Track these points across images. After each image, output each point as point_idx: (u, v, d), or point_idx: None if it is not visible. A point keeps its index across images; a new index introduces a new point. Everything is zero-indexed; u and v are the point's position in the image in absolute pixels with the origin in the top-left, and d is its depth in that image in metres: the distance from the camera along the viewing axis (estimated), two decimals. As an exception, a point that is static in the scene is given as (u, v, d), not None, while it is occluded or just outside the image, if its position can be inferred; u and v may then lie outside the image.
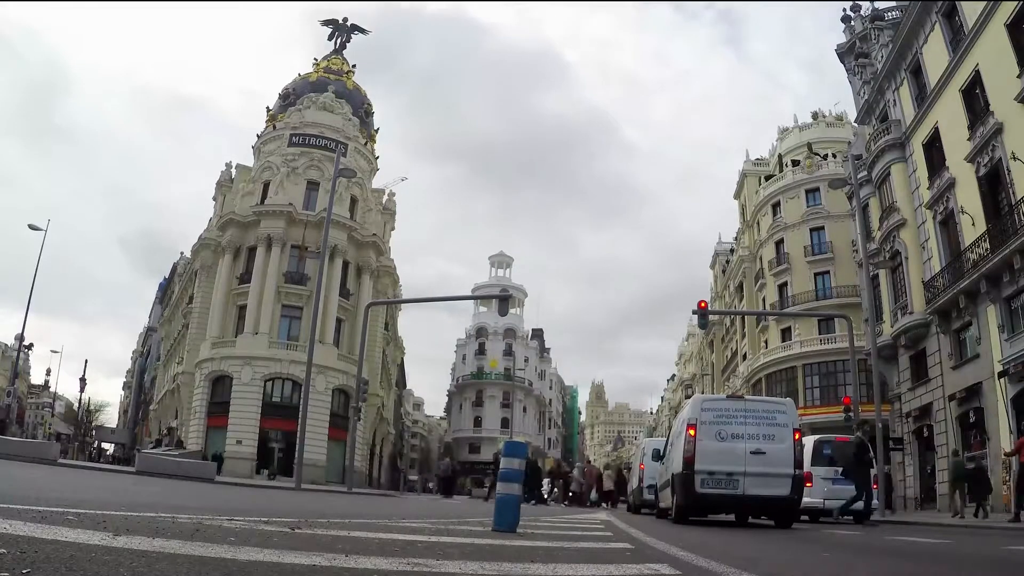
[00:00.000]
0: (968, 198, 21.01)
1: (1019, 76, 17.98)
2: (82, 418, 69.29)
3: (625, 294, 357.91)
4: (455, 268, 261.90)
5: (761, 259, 45.63)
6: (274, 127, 44.50)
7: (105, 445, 51.80)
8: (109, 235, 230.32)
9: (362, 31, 51.35)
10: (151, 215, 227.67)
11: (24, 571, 2.21)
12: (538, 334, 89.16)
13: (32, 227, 34.03)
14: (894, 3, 29.78)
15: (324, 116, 43.95)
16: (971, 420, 20.92)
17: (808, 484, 12.88)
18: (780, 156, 48.84)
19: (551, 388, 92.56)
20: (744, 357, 48.32)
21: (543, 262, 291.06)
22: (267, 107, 46.67)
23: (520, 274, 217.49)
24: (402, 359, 68.88)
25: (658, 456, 14.57)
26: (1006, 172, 18.80)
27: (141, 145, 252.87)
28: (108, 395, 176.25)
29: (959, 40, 21.39)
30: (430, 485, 55.31)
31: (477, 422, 76.93)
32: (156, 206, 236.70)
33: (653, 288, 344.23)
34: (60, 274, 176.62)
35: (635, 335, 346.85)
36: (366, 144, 46.50)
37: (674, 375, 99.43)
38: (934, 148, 23.63)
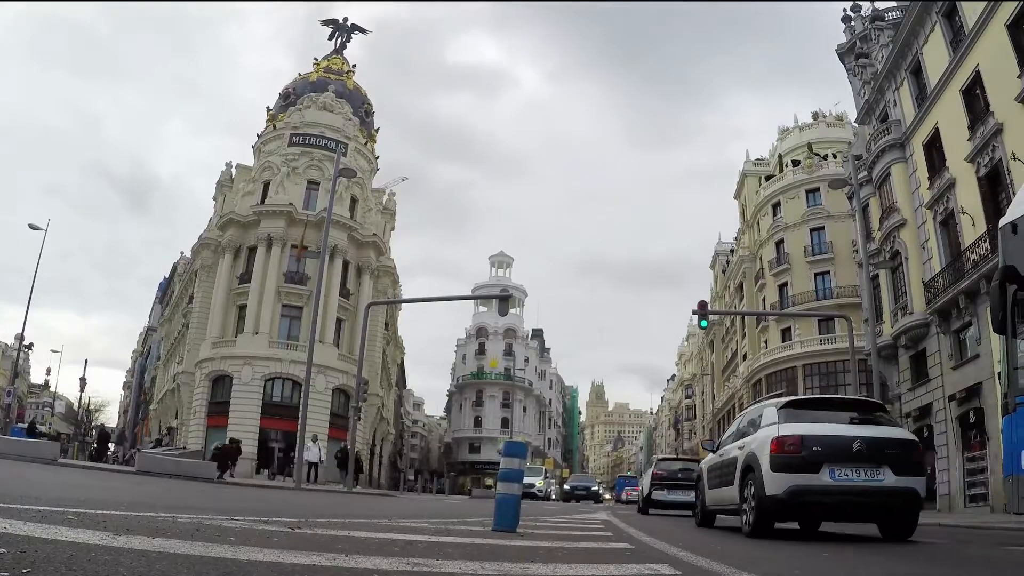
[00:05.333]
0: (968, 198, 20.98)
1: (1019, 76, 17.96)
2: (82, 418, 69.27)
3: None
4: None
5: (761, 259, 45.64)
6: (274, 127, 44.53)
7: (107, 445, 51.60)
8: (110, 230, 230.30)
9: (362, 31, 51.38)
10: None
11: (24, 571, 2.21)
12: (538, 334, 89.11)
13: (32, 227, 33.94)
14: (894, 3, 29.76)
15: (324, 116, 43.97)
16: (971, 420, 20.87)
17: None
18: (780, 156, 48.86)
19: (551, 388, 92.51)
20: (744, 357, 48.34)
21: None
22: (267, 107, 46.73)
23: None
24: (402, 359, 68.86)
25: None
26: (1006, 172, 18.77)
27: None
28: (109, 389, 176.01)
29: (959, 40, 21.37)
30: (430, 485, 55.50)
31: (477, 422, 76.92)
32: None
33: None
34: (63, 271, 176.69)
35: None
36: (366, 144, 46.53)
37: (674, 375, 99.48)
38: (934, 148, 23.61)
